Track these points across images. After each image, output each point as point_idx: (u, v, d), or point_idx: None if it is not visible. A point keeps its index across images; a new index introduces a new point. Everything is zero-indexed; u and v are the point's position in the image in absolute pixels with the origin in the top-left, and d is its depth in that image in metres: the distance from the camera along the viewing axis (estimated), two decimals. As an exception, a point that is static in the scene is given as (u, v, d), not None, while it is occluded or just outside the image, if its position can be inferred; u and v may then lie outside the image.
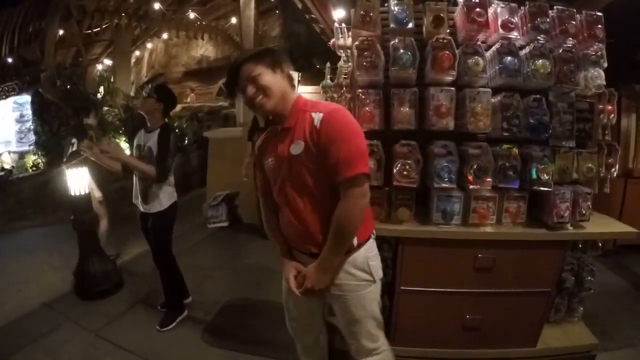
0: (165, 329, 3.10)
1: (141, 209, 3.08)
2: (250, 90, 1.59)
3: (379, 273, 1.74)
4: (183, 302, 3.33)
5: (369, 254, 1.69)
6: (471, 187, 2.06)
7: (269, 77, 1.58)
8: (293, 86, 1.71)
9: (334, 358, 2.16)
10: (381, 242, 2.34)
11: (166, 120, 3.16)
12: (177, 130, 3.00)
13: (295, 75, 6.37)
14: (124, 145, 8.26)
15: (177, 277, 3.29)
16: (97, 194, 4.31)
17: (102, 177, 4.33)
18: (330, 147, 1.49)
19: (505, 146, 2.11)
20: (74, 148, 4.21)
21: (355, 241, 1.62)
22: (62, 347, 2.90)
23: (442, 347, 2.32)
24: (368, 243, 1.70)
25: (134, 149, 3.13)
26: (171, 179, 3.11)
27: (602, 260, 3.99)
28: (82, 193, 3.64)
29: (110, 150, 2.94)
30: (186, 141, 8.68)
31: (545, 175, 2.05)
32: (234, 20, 12.21)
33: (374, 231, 1.79)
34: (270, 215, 1.84)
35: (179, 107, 10.92)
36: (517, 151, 2.10)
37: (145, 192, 3.01)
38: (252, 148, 5.27)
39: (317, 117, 1.53)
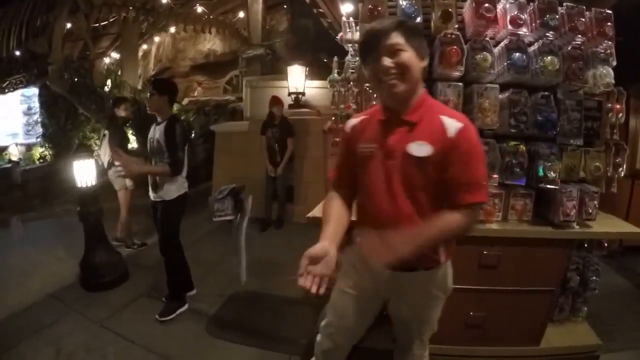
0: (164, 318, 3.12)
1: (152, 197, 3.13)
2: (387, 63, 1.39)
3: (451, 290, 1.68)
4: (185, 295, 3.34)
5: (447, 272, 1.64)
6: (478, 183, 2.05)
7: (412, 58, 1.39)
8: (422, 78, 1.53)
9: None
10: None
11: (175, 111, 3.18)
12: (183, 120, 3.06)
13: (304, 69, 6.39)
14: (131, 137, 8.31)
15: (181, 268, 3.30)
16: (128, 183, 4.48)
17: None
18: (460, 163, 1.38)
19: (512, 143, 2.11)
20: (107, 139, 4.53)
21: (442, 258, 1.55)
22: (66, 338, 2.92)
23: (446, 344, 2.32)
24: (448, 261, 1.63)
25: (148, 142, 3.16)
26: (184, 171, 3.13)
27: (607, 261, 3.97)
28: (89, 185, 3.66)
29: (124, 166, 2.93)
30: (193, 135, 8.69)
31: (552, 173, 2.05)
32: (241, 14, 12.21)
33: None
34: (333, 199, 1.65)
35: (186, 101, 10.98)
36: (524, 148, 2.10)
37: (155, 181, 3.06)
38: (267, 142, 5.32)
39: (453, 125, 1.39)
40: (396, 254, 1.30)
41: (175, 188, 3.08)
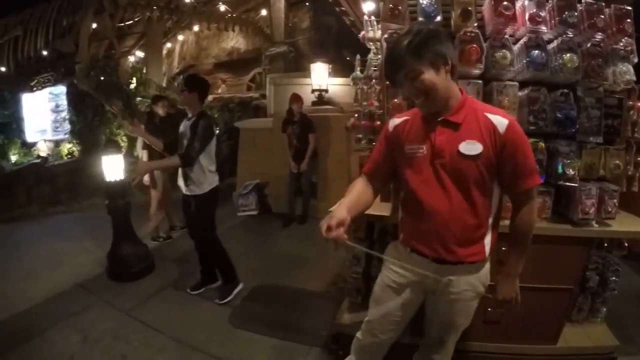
0: (223, 301, 3.33)
1: (183, 190, 3.24)
2: (410, 89, 1.48)
3: (488, 284, 1.71)
4: (236, 276, 3.50)
5: (489, 267, 1.68)
6: (497, 180, 2.07)
7: (432, 77, 1.42)
8: (455, 74, 1.54)
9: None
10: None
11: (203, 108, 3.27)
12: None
13: (327, 66, 6.42)
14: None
15: (224, 254, 3.44)
16: (145, 178, 4.61)
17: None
18: (516, 156, 1.46)
19: (531, 140, 2.10)
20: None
21: (486, 253, 1.60)
22: (93, 325, 3.05)
23: (464, 340, 2.32)
24: (489, 256, 1.66)
25: (179, 137, 3.25)
26: (212, 163, 3.22)
27: (630, 263, 3.91)
28: (117, 179, 3.79)
29: (138, 168, 3.08)
30: (217, 131, 8.83)
31: (571, 171, 2.04)
32: (264, 12, 12.29)
33: None
34: (362, 182, 1.74)
35: (210, 98, 11.14)
36: (543, 145, 2.09)
37: (186, 175, 3.16)
38: (288, 139, 5.40)
39: (501, 122, 1.46)
40: (507, 297, 1.71)
41: (207, 182, 3.18)
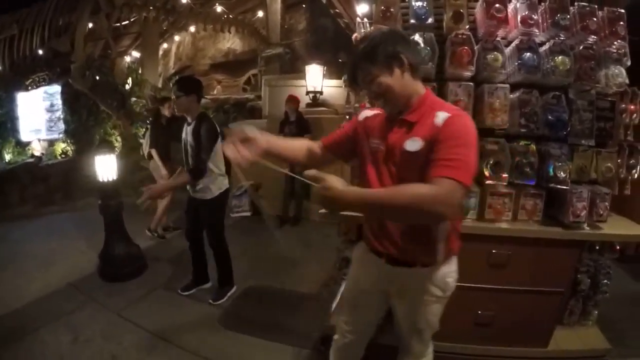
0: (217, 302, 3.34)
1: (191, 193, 3.23)
2: (369, 92, 1.52)
3: (450, 290, 1.66)
4: (233, 279, 3.52)
5: (447, 271, 1.62)
6: (487, 182, 2.07)
7: (386, 80, 1.43)
8: (419, 74, 1.53)
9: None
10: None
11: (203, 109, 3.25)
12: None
13: (322, 68, 6.42)
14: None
15: (227, 257, 3.44)
16: (163, 172, 4.73)
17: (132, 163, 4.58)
18: (444, 145, 1.34)
19: (523, 142, 2.11)
20: (149, 133, 4.90)
21: (440, 255, 1.56)
22: (84, 325, 3.03)
23: (454, 342, 2.33)
24: (451, 260, 1.64)
25: (182, 144, 3.24)
26: (221, 166, 3.22)
27: (623, 266, 3.92)
28: (110, 179, 3.77)
29: (146, 194, 2.95)
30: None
31: (562, 173, 2.04)
32: (260, 13, 12.30)
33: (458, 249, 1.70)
34: (312, 143, 1.78)
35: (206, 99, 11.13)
36: (534, 148, 2.10)
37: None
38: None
39: (443, 116, 1.40)
40: (335, 196, 1.29)
41: (216, 186, 3.17)
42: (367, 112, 1.72)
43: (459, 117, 1.42)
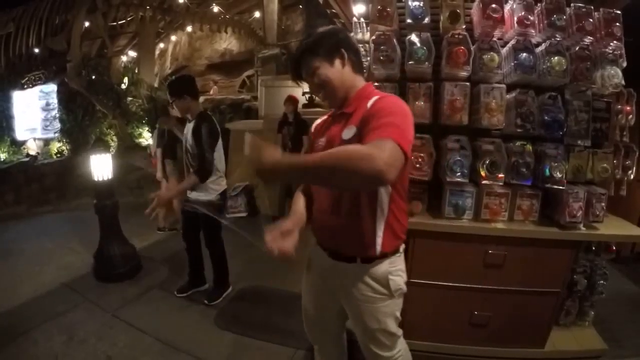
0: (213, 303, 3.33)
1: (189, 194, 3.18)
2: (311, 84, 1.56)
3: (399, 289, 1.62)
4: (228, 280, 3.51)
5: (391, 269, 1.58)
6: (484, 182, 2.07)
7: (327, 71, 1.49)
8: (360, 70, 1.58)
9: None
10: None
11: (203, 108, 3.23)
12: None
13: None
14: (147, 134, 8.44)
15: (224, 258, 3.44)
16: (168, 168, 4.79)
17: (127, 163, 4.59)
18: (373, 118, 1.32)
19: (519, 143, 2.11)
20: (156, 132, 4.90)
21: (379, 248, 1.53)
22: (78, 325, 3.01)
23: (450, 343, 2.34)
24: (393, 257, 1.59)
25: (183, 141, 3.21)
26: (222, 167, 3.21)
27: (619, 267, 3.94)
28: (105, 179, 3.75)
29: (154, 203, 2.87)
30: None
31: (558, 174, 2.04)
32: (257, 14, 12.30)
33: (403, 246, 1.67)
34: (300, 196, 1.73)
35: (201, 99, 11.11)
36: (530, 148, 2.10)
37: None
38: (282, 140, 5.40)
39: (373, 99, 1.43)
40: (269, 163, 1.23)
41: (215, 187, 3.15)
42: (318, 120, 1.77)
43: (387, 96, 1.46)
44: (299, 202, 1.70)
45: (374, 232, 1.52)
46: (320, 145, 1.60)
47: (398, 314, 1.67)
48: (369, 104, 1.42)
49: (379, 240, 1.53)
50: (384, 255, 1.56)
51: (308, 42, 1.52)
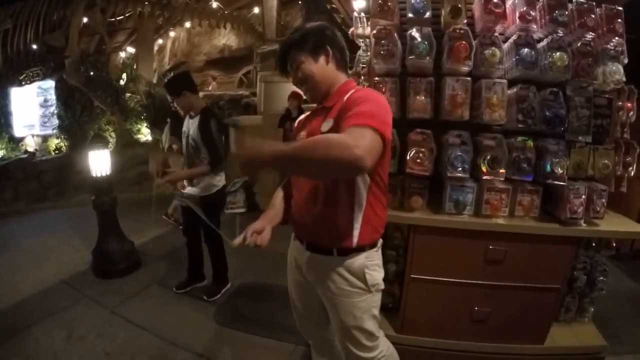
0: (211, 299, 3.34)
1: (187, 190, 3.18)
2: (295, 78, 1.59)
3: (375, 284, 1.61)
4: (227, 276, 3.52)
5: (367, 263, 1.57)
6: (484, 177, 2.06)
7: (311, 66, 1.53)
8: (344, 67, 1.62)
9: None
10: (393, 230, 2.37)
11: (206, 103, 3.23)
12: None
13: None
14: (145, 130, 8.42)
15: (223, 254, 3.44)
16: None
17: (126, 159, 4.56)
18: (349, 108, 1.33)
19: (520, 138, 2.11)
20: (168, 126, 4.93)
21: (355, 240, 1.53)
22: (78, 322, 3.01)
23: (450, 339, 2.33)
24: (370, 252, 1.59)
25: (182, 136, 3.20)
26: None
27: (618, 264, 3.95)
28: (104, 174, 3.74)
29: (169, 177, 3.00)
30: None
31: (559, 169, 2.03)
32: (256, 10, 12.27)
33: (380, 241, 1.66)
34: (279, 193, 1.81)
35: (200, 95, 11.09)
36: (532, 144, 2.09)
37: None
38: (284, 135, 5.40)
39: (349, 93, 1.47)
40: (252, 154, 1.29)
41: (214, 183, 3.15)
42: (302, 116, 1.81)
43: (363, 89, 1.52)
44: (277, 197, 1.79)
45: (350, 223, 1.52)
46: (301, 138, 1.62)
47: (376, 311, 1.66)
48: (346, 97, 1.46)
49: (356, 232, 1.53)
50: (361, 249, 1.56)
51: (295, 36, 1.56)
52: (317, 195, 1.53)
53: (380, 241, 1.66)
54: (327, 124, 1.47)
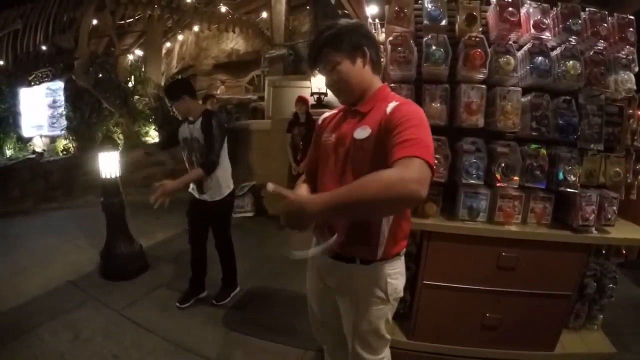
0: (221, 303, 3.34)
1: (196, 196, 3.14)
2: (328, 78, 1.52)
3: (395, 294, 1.59)
4: (237, 280, 3.52)
5: (390, 272, 1.56)
6: (498, 185, 2.08)
7: (348, 69, 1.45)
8: (379, 70, 1.54)
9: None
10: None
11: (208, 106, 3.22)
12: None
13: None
14: (153, 133, 8.46)
15: (233, 258, 3.45)
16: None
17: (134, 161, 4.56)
18: (394, 129, 1.29)
19: (533, 146, 2.12)
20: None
21: (380, 252, 1.51)
22: (84, 323, 3.01)
23: (461, 345, 2.33)
24: (394, 261, 1.57)
25: (181, 142, 3.15)
26: (227, 165, 3.17)
27: (625, 272, 3.93)
28: (113, 176, 3.75)
29: (159, 191, 2.76)
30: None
31: (572, 177, 2.04)
32: (264, 14, 12.29)
33: (404, 250, 1.63)
34: (303, 185, 1.73)
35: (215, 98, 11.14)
36: (545, 152, 2.10)
37: (200, 182, 3.06)
38: (293, 140, 5.40)
39: (391, 105, 1.38)
40: (301, 208, 1.21)
41: (224, 187, 3.13)
42: (326, 114, 1.74)
43: (407, 103, 1.41)
44: (302, 187, 1.70)
45: (377, 236, 1.50)
46: (329, 141, 1.58)
47: (390, 316, 1.65)
48: (388, 109, 1.38)
49: (381, 245, 1.51)
50: (384, 259, 1.54)
51: (330, 34, 1.45)
52: None
53: (404, 249, 1.64)
54: (362, 131, 1.43)
